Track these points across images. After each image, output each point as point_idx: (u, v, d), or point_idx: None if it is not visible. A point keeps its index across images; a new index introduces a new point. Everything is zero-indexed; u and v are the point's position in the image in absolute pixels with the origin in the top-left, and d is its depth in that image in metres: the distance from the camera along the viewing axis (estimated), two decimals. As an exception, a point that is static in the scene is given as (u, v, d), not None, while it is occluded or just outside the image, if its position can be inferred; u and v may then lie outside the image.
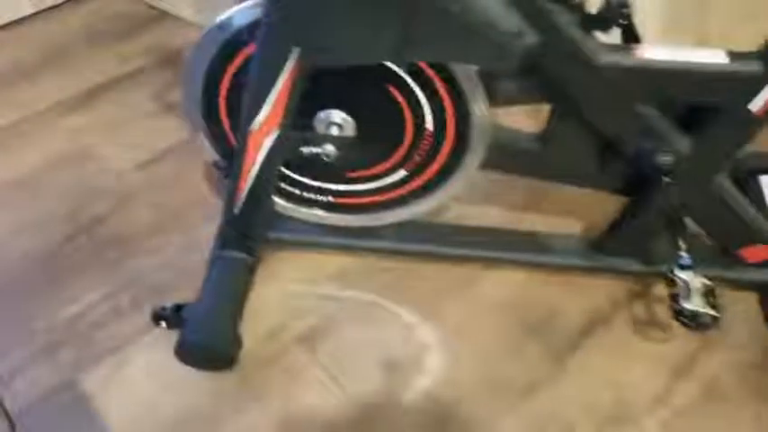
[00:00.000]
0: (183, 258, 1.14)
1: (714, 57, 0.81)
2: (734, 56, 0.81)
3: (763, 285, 1.08)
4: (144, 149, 1.32)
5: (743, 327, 1.08)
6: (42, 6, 1.61)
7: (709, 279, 1.01)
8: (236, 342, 1.00)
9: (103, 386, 1.00)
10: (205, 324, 0.98)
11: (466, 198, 1.20)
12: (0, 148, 1.33)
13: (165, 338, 0.99)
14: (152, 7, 1.62)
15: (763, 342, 1.06)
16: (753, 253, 1.03)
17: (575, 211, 1.17)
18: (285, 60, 0.79)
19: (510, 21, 0.78)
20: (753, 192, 1.17)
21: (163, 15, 1.59)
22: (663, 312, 1.08)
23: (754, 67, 0.80)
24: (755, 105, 0.82)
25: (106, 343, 1.05)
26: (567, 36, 0.79)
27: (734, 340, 1.06)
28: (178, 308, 1.00)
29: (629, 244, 1.03)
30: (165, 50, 1.50)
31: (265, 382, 1.01)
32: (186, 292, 1.07)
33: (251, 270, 1.07)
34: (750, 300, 1.10)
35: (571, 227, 1.16)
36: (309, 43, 0.78)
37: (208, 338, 0.97)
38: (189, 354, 0.98)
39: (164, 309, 1.00)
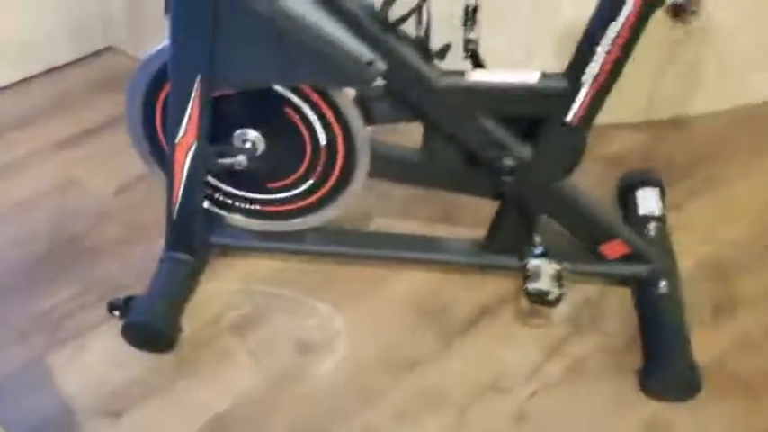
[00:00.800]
0: (143, 264, 1.34)
1: (530, 77, 1.01)
2: (545, 75, 1.01)
3: (626, 278, 1.24)
4: (121, 178, 1.56)
5: (614, 315, 1.24)
6: (47, 66, 1.89)
7: (577, 274, 1.19)
8: (176, 327, 1.21)
9: (66, 365, 1.21)
10: (147, 309, 1.19)
11: (386, 212, 1.41)
12: (3, 178, 1.58)
13: (119, 327, 1.20)
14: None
15: (631, 329, 1.21)
16: (611, 249, 1.20)
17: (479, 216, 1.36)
18: (192, 84, 1.02)
19: (364, 52, 1.00)
20: (630, 202, 1.36)
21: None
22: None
23: (562, 84, 1.00)
24: (570, 116, 1.02)
25: (71, 331, 1.26)
26: (410, 65, 1.01)
27: (605, 327, 1.23)
28: (128, 299, 1.21)
29: (505, 242, 1.22)
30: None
31: (199, 362, 1.20)
32: (142, 290, 1.28)
33: (193, 269, 1.28)
34: (624, 292, 1.27)
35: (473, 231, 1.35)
36: (206, 71, 1.01)
37: (148, 320, 1.17)
38: (132, 334, 1.19)
39: (117, 300, 1.21)
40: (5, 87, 1.85)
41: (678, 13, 0.94)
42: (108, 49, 1.97)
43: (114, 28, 1.92)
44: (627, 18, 0.92)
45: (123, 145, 1.62)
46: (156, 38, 1.80)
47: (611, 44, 0.95)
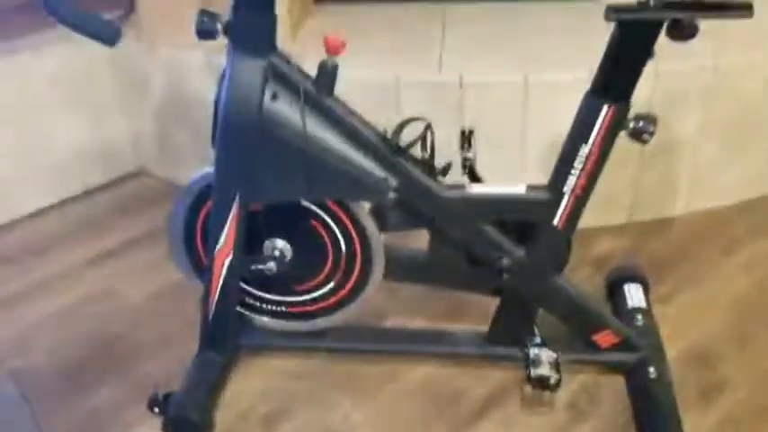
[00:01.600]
0: (177, 364, 1.47)
1: (518, 189, 1.19)
2: (531, 188, 1.19)
3: (619, 365, 1.37)
4: (153, 288, 1.71)
5: (610, 400, 1.36)
6: (81, 189, 2.08)
7: (573, 361, 1.33)
8: (211, 422, 1.32)
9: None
10: (185, 405, 1.31)
11: (399, 310, 1.56)
12: (45, 291, 1.73)
13: (160, 423, 1.31)
14: (170, 183, 2.08)
15: (626, 412, 1.33)
16: (603, 338, 1.34)
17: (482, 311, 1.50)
18: (232, 202, 1.19)
19: (378, 171, 1.18)
20: (618, 297, 1.50)
21: (177, 190, 2.05)
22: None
23: (546, 194, 1.18)
24: (556, 220, 1.19)
25: (114, 428, 1.37)
26: (418, 181, 1.19)
27: (602, 411, 1.34)
28: (167, 396, 1.33)
29: (507, 334, 1.36)
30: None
31: (232, 452, 1.32)
32: (177, 387, 1.40)
33: (225, 367, 1.41)
34: (618, 378, 1.39)
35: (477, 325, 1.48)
36: (245, 191, 1.18)
37: (187, 415, 1.29)
38: (173, 429, 1.30)
39: (156, 397, 1.33)
40: (43, 210, 2.03)
41: (637, 135, 1.11)
42: (137, 172, 2.17)
43: (143, 153, 2.13)
44: (595, 140, 1.11)
45: (153, 259, 1.81)
46: (181, 161, 2.02)
47: (585, 161, 1.13)
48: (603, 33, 1.08)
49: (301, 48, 1.76)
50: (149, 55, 1.85)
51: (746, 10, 0.99)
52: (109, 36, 0.95)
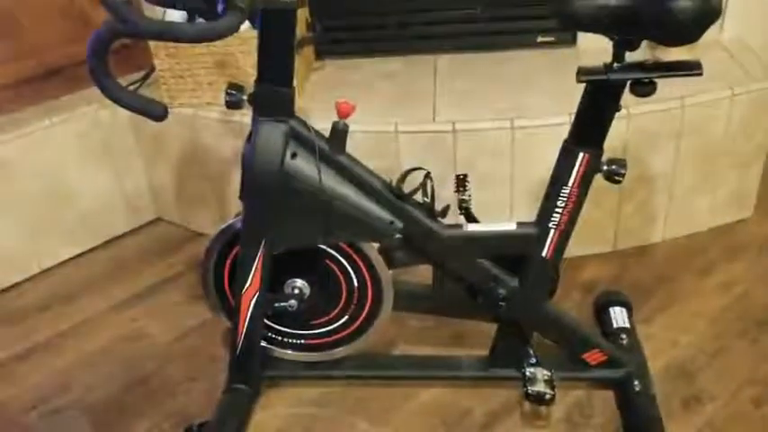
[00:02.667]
0: (206, 397, 1.62)
1: (509, 226, 1.35)
2: (520, 224, 1.36)
3: (608, 380, 1.52)
4: (179, 328, 1.86)
5: (601, 413, 1.50)
6: (105, 238, 2.24)
7: (566, 378, 1.48)
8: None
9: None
10: (217, 432, 1.45)
11: (407, 338, 1.71)
12: (78, 335, 1.88)
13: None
14: (188, 229, 2.24)
15: (616, 423, 1.48)
16: (592, 357, 1.49)
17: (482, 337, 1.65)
18: (258, 247, 1.35)
19: (386, 215, 1.34)
20: (605, 318, 1.66)
21: (195, 235, 2.21)
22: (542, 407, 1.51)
23: (534, 230, 1.34)
24: (545, 252, 1.35)
25: (153, 457, 1.52)
26: (420, 223, 1.35)
27: (595, 423, 1.49)
28: (201, 425, 1.48)
29: (505, 356, 1.51)
30: (197, 259, 2.09)
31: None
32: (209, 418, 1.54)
33: (251, 398, 1.55)
34: (608, 392, 1.54)
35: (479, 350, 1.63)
36: (270, 237, 1.34)
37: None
38: (207, 454, 1.45)
39: (191, 427, 1.48)
40: (72, 259, 2.18)
41: (610, 177, 1.28)
42: (157, 219, 2.33)
43: (161, 201, 2.28)
44: (574, 182, 1.28)
45: (178, 301, 1.96)
46: (196, 209, 2.17)
47: (566, 200, 1.29)
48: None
49: (308, 100, 1.94)
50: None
51: (698, 69, 1.16)
52: (158, 113, 1.12)
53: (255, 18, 1.16)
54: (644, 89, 1.17)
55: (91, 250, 2.20)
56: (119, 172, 2.18)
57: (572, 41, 2.08)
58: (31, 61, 2.03)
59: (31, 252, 2.09)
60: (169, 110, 1.12)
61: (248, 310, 1.43)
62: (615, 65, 1.17)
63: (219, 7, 1.08)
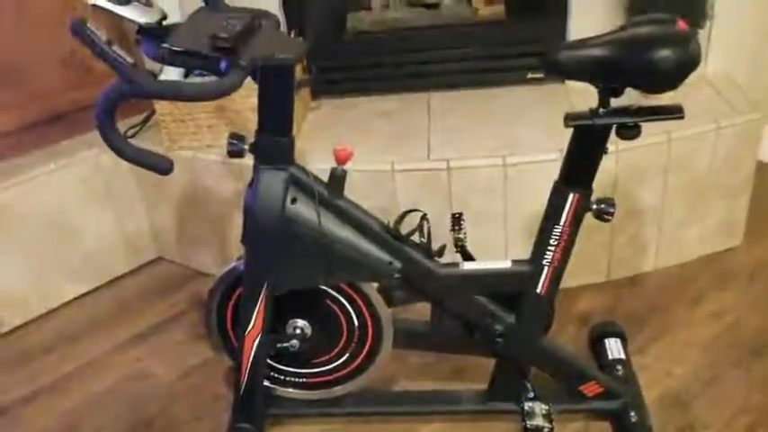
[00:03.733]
0: (211, 435, 1.65)
1: (504, 264, 1.40)
2: (515, 262, 1.40)
3: (604, 412, 1.55)
4: (182, 367, 1.89)
5: (600, 444, 1.54)
6: (107, 278, 2.27)
7: (564, 411, 1.51)
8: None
9: None
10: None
11: (407, 375, 1.74)
12: (83, 376, 1.90)
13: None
14: (189, 268, 2.28)
15: (612, 452, 1.51)
16: (588, 389, 1.53)
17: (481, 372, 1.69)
18: (261, 289, 1.39)
19: (384, 256, 1.39)
20: (600, 350, 1.69)
21: (196, 273, 2.25)
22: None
23: (528, 268, 1.38)
24: (539, 289, 1.39)
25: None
26: (418, 262, 1.39)
27: (592, 452, 1.52)
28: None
29: (503, 390, 1.54)
30: (199, 297, 2.12)
31: None
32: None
33: (255, 436, 1.58)
34: (605, 424, 1.57)
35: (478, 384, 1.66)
36: (272, 279, 1.38)
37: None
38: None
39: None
40: (75, 299, 2.21)
41: (600, 216, 1.33)
42: (159, 259, 2.36)
43: (162, 241, 2.32)
44: (565, 221, 1.32)
45: (180, 340, 1.99)
46: (196, 249, 2.20)
47: (559, 238, 1.34)
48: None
49: (305, 141, 1.99)
50: (169, 155, 2.07)
51: (679, 113, 1.22)
52: (164, 168, 1.16)
53: (256, 72, 1.21)
54: (629, 132, 1.23)
55: (94, 290, 2.24)
56: (120, 214, 2.22)
57: (561, 78, 2.14)
58: (33, 107, 2.08)
59: (36, 293, 2.12)
60: (170, 152, 1.16)
61: (251, 351, 1.46)
62: (601, 110, 1.22)
63: (222, 65, 1.13)
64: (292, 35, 2.01)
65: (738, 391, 1.62)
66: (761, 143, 1.97)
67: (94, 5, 1.12)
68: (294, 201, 1.34)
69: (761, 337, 1.76)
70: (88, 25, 1.05)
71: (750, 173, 1.98)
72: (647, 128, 1.25)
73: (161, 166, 1.16)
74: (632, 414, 1.50)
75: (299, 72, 1.98)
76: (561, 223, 1.32)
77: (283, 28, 2.04)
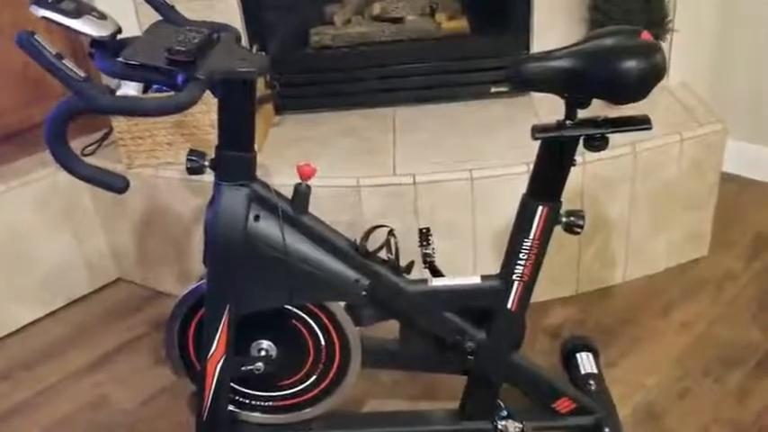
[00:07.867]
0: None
1: (474, 279, 1.37)
2: (485, 277, 1.37)
3: (578, 428, 1.52)
4: (145, 392, 1.82)
5: (575, 459, 1.51)
6: (66, 301, 2.19)
7: (536, 429, 1.48)
8: None
9: None
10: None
11: (377, 395, 1.70)
12: (40, 403, 1.83)
13: None
14: (149, 288, 2.21)
15: (589, 469, 1.49)
16: (561, 405, 1.50)
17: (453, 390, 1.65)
18: (224, 311, 1.34)
19: (351, 274, 1.35)
20: (572, 365, 1.67)
21: (157, 294, 2.18)
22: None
23: (498, 283, 1.36)
24: (509, 304, 1.37)
25: None
26: (386, 279, 1.36)
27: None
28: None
29: (476, 408, 1.50)
30: (160, 319, 2.06)
31: None
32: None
33: (220, 464, 1.52)
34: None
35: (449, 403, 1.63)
36: (235, 300, 1.33)
37: None
38: None
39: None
40: (32, 323, 2.13)
41: (569, 229, 1.31)
42: (117, 280, 2.29)
43: (122, 262, 2.25)
44: (535, 235, 1.30)
45: (142, 364, 1.92)
46: (158, 269, 2.15)
47: (528, 252, 1.32)
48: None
49: (269, 157, 1.95)
50: (127, 172, 2.01)
51: (647, 124, 1.21)
52: (119, 186, 1.11)
53: (216, 87, 1.17)
54: (597, 144, 1.21)
55: (51, 314, 2.16)
56: (78, 234, 2.15)
57: (527, 91, 2.14)
58: (-15, 126, 2.02)
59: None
60: (129, 170, 1.11)
61: (214, 375, 1.41)
62: (568, 122, 1.20)
63: (179, 79, 1.09)
64: (254, 50, 1.97)
65: (710, 403, 1.61)
66: (723, 154, 1.98)
67: (44, 18, 1.07)
68: (257, 218, 1.30)
69: (730, 347, 1.76)
70: (36, 37, 1.00)
71: (714, 183, 1.99)
72: (613, 140, 1.24)
73: (116, 184, 1.11)
74: (606, 430, 1.48)
75: (261, 87, 1.94)
76: (531, 237, 1.30)
77: (245, 42, 2.01)
